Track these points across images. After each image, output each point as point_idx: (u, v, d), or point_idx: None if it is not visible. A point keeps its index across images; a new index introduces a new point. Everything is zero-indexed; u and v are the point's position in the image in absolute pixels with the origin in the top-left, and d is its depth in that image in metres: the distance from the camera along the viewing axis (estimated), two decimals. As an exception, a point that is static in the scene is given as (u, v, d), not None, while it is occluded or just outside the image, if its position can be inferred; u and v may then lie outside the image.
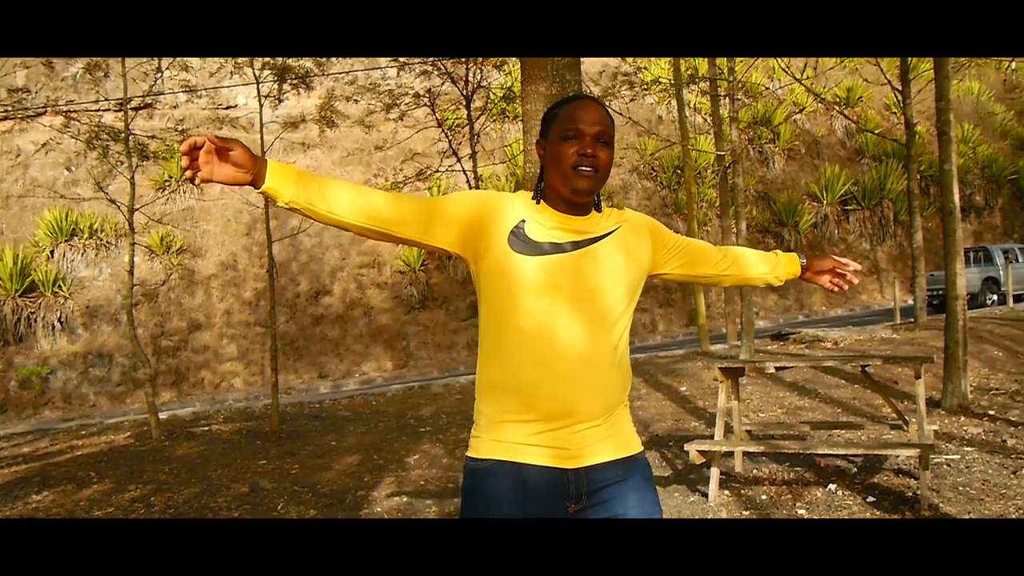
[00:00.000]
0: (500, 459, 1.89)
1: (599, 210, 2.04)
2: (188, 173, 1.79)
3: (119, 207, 9.29)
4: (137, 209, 9.16)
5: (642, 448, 2.01)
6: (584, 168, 1.92)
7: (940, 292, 17.88)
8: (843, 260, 2.35)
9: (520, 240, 1.92)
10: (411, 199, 1.97)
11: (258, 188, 1.80)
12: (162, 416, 10.25)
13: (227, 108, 22.26)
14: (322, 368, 19.13)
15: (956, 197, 7.29)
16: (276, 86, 9.24)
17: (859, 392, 8.60)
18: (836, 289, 2.36)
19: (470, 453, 1.96)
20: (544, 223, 1.95)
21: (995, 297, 19.06)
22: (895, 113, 28.08)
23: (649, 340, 20.18)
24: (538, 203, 1.99)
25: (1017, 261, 19.54)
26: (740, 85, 10.81)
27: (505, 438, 1.89)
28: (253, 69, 8.94)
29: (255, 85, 9.35)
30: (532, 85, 3.61)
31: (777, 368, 5.45)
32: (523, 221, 1.94)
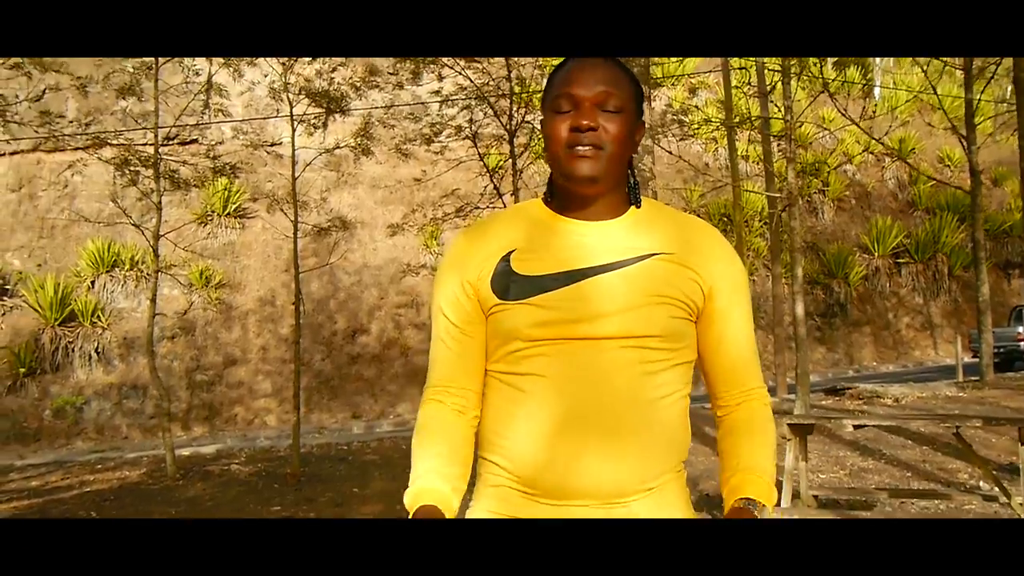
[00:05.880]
0: None
1: (637, 203, 1.53)
2: None
3: (143, 232, 9.02)
4: (162, 236, 8.87)
5: None
6: (581, 148, 1.43)
7: (1002, 349, 17.08)
8: None
9: (505, 279, 1.47)
10: (457, 360, 1.56)
11: None
12: (184, 452, 9.91)
13: (272, 145, 22.30)
14: (356, 408, 18.78)
15: (1042, 243, 6.68)
16: (314, 115, 8.96)
17: (928, 455, 7.92)
18: None
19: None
20: (546, 240, 1.48)
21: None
22: (948, 166, 27.44)
23: (693, 391, 19.55)
24: (549, 204, 1.54)
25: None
26: (799, 123, 10.35)
27: (501, 511, 1.50)
28: (288, 95, 8.66)
29: (296, 114, 9.12)
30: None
31: (855, 426, 4.89)
32: (511, 252, 1.48)
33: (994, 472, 5.51)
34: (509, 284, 1.45)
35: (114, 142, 13.87)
